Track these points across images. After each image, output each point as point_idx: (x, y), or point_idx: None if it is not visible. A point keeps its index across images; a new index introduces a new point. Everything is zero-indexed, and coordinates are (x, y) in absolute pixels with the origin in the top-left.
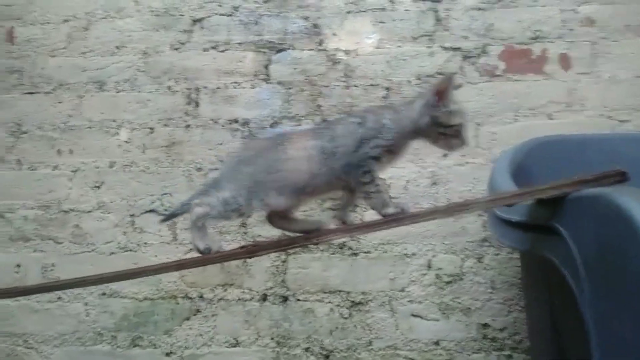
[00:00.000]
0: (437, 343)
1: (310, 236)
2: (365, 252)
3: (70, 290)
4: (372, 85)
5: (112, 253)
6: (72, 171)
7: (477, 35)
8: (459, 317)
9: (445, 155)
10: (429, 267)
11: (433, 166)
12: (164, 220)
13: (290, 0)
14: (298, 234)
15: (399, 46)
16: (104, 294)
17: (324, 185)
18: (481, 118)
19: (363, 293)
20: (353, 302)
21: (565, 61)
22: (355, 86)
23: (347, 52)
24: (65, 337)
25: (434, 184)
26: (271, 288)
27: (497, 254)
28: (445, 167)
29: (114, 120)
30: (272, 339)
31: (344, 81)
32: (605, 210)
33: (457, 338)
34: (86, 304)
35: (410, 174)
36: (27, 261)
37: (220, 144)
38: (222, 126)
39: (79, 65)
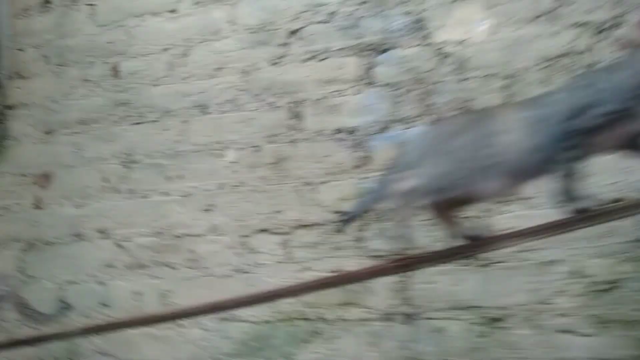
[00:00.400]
0: None
1: (476, 244)
2: (499, 262)
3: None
4: (488, 75)
5: (227, 276)
6: (182, 196)
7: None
8: (619, 331)
9: None
10: (578, 274)
11: None
12: (346, 223)
13: None
14: (457, 239)
15: (517, 29)
16: (223, 318)
17: (535, 167)
18: None
19: (500, 308)
20: (491, 318)
21: None
22: (469, 79)
23: (457, 43)
24: None
25: None
26: (395, 307)
27: None
28: None
29: (220, 142)
30: None
31: (457, 75)
32: None
33: (617, 356)
34: (204, 329)
35: None
36: (146, 288)
37: (327, 156)
38: (328, 137)
39: (181, 92)
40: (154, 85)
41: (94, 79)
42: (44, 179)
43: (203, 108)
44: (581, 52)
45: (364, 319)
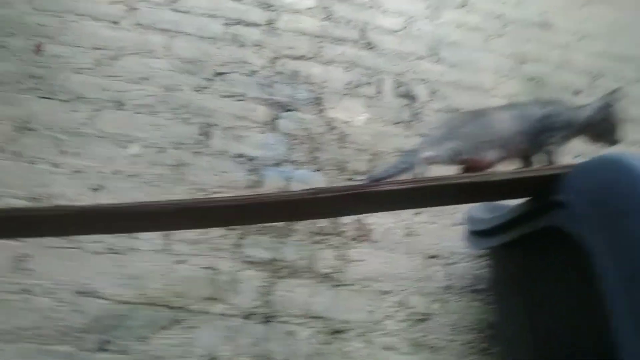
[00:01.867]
0: None
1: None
2: (349, 284)
3: (42, 283)
4: (360, 150)
5: (98, 253)
6: (73, 171)
7: None
8: (427, 354)
9: (418, 213)
10: (404, 305)
11: (408, 220)
12: (379, 179)
13: (300, 76)
14: None
15: (384, 126)
16: (81, 292)
17: (521, 145)
18: None
19: (343, 322)
20: (334, 330)
21: None
22: (346, 148)
23: (342, 122)
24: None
25: (407, 235)
26: (256, 307)
27: (459, 301)
28: (418, 222)
29: (127, 136)
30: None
31: (338, 143)
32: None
33: None
34: (57, 300)
35: (388, 224)
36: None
37: (225, 172)
38: (230, 158)
39: (101, 85)
40: (75, 72)
41: (12, 47)
42: None
43: (119, 104)
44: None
45: (225, 314)
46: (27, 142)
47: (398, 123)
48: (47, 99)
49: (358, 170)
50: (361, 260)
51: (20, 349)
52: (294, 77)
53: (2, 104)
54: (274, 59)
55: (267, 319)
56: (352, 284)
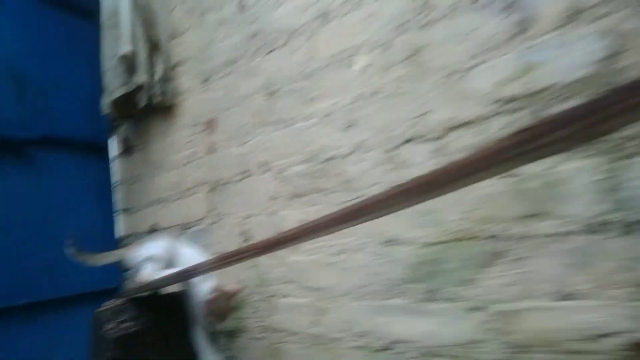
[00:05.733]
0: None
1: None
2: None
3: (354, 242)
4: None
5: None
6: (324, 116)
7: None
8: None
9: None
10: None
11: None
12: None
13: None
14: None
15: None
16: (387, 242)
17: None
18: None
19: None
20: None
21: None
22: None
23: None
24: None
25: None
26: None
27: None
28: None
29: (346, 50)
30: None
31: None
32: None
33: None
34: (372, 255)
35: None
36: (310, 215)
37: (473, 31)
38: (469, 6)
39: (299, 5)
40: (275, 8)
41: (227, 17)
42: (210, 125)
43: (324, 16)
44: None
45: (558, 233)
46: (280, 105)
47: None
48: (272, 53)
49: None
50: None
51: (360, 306)
52: None
53: (247, 78)
54: None
55: (629, 228)
56: None
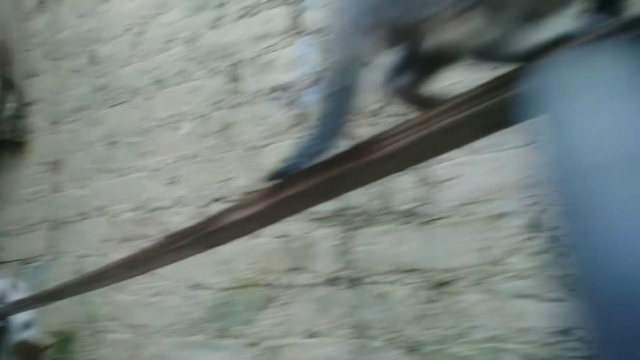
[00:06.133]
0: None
1: None
2: (441, 218)
3: (169, 285)
4: None
5: None
6: (152, 170)
7: None
8: None
9: None
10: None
11: None
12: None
13: None
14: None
15: None
16: (194, 286)
17: None
18: None
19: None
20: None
21: None
22: None
23: None
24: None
25: None
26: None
27: None
28: None
29: (174, 115)
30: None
31: None
32: None
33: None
34: (181, 297)
35: None
36: None
37: (266, 118)
38: (265, 98)
39: (142, 69)
40: (122, 66)
41: (79, 68)
42: (56, 165)
43: (160, 83)
44: None
45: (309, 284)
46: (117, 155)
47: None
48: (115, 107)
49: None
50: (454, 178)
51: (170, 342)
52: None
53: (92, 126)
54: None
55: (353, 283)
56: (447, 216)
